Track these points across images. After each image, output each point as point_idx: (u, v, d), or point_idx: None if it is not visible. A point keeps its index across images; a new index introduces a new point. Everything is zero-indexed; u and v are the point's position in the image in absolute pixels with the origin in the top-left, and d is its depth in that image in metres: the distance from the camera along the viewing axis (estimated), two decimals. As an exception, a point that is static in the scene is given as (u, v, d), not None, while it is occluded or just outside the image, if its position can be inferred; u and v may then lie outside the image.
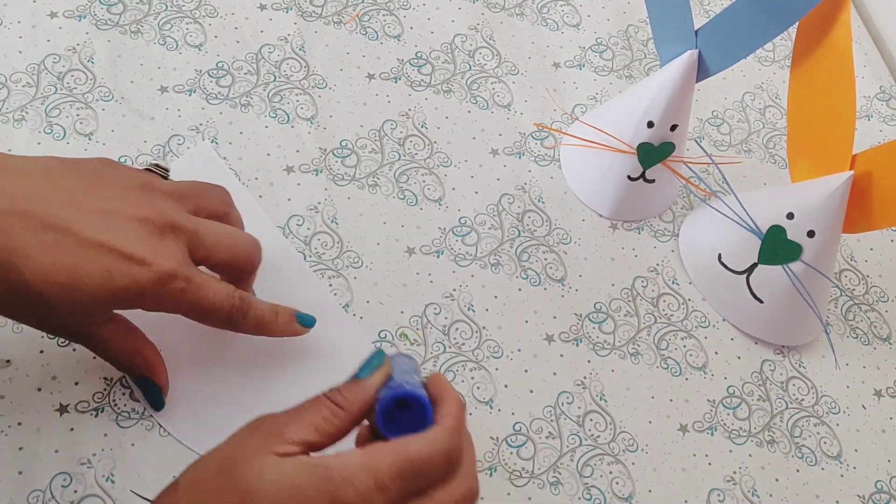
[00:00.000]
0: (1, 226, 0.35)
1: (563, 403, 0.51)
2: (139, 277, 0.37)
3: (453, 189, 0.57)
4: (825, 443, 0.54)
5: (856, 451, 0.54)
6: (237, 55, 0.59)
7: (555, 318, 0.54)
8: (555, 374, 0.52)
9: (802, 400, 0.55)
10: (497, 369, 0.51)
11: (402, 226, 0.55)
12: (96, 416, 0.44)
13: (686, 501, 0.50)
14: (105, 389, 0.45)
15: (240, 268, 0.43)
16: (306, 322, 0.46)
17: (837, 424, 0.55)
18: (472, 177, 0.58)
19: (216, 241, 0.41)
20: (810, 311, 0.54)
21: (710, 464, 0.51)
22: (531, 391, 0.51)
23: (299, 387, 0.47)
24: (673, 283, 0.58)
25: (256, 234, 0.46)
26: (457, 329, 0.52)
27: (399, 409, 0.36)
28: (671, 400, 0.53)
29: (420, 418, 0.36)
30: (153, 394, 0.44)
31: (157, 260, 0.37)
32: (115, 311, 0.41)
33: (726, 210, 0.55)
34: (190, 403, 0.45)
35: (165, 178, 0.43)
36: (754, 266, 0.54)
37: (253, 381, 0.47)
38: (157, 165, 0.44)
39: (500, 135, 0.61)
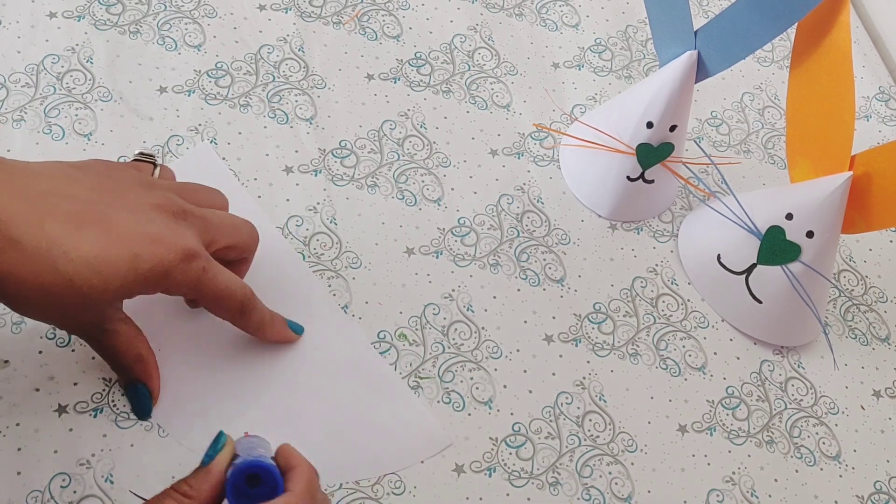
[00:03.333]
0: (35, 220, 0.36)
1: (562, 404, 0.51)
2: (165, 257, 0.38)
3: (452, 189, 0.57)
4: (824, 443, 0.54)
5: (855, 451, 0.54)
6: (236, 55, 0.59)
7: (554, 318, 0.54)
8: (554, 374, 0.52)
9: (801, 400, 0.55)
10: (496, 370, 0.51)
11: (401, 226, 0.55)
12: (95, 416, 0.44)
13: (685, 502, 0.50)
14: (104, 390, 0.45)
15: (243, 250, 0.45)
16: (297, 329, 0.48)
17: (836, 425, 0.55)
18: (471, 177, 0.58)
19: (222, 226, 0.43)
20: (809, 311, 0.54)
21: (709, 464, 0.51)
22: (530, 391, 0.51)
23: (297, 387, 0.47)
24: (672, 283, 0.58)
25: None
26: (456, 329, 0.52)
27: (250, 485, 0.36)
28: (670, 400, 0.53)
29: (272, 490, 0.36)
30: (144, 400, 0.44)
31: (179, 240, 0.39)
32: (128, 315, 0.43)
33: (725, 210, 0.55)
34: (189, 404, 0.45)
35: (154, 164, 0.45)
36: (753, 266, 0.54)
37: (251, 382, 0.47)
38: (142, 154, 0.45)
39: (499, 135, 0.61)
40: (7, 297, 0.36)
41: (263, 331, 0.45)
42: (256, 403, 0.46)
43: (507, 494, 0.47)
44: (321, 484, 0.39)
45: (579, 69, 0.66)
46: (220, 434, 0.38)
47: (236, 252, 0.45)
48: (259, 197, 0.53)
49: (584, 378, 0.52)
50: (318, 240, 0.53)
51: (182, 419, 0.45)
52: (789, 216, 0.52)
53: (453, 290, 0.53)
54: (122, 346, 0.43)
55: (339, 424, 0.47)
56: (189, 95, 0.56)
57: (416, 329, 0.51)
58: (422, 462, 0.47)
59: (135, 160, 0.44)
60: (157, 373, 0.44)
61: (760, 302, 0.55)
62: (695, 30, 0.52)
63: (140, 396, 0.44)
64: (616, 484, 0.49)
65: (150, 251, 0.38)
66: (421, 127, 0.60)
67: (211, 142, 0.55)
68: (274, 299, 0.46)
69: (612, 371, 0.53)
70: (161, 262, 0.38)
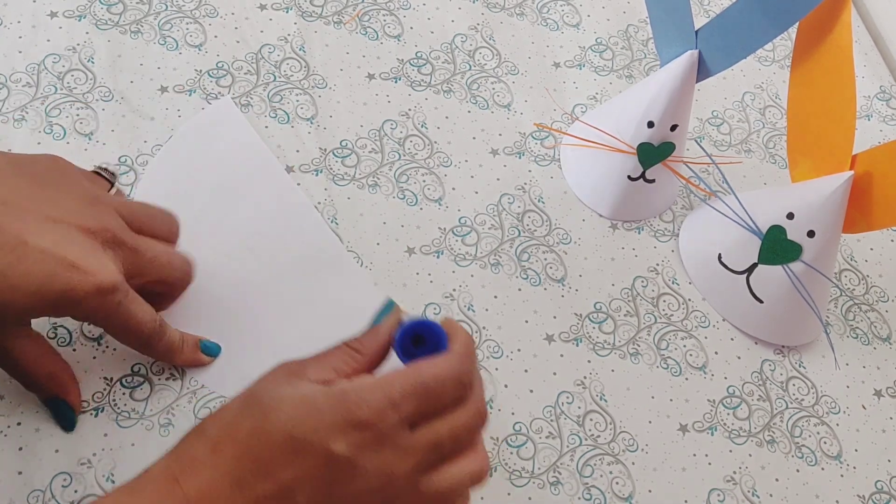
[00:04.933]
0: None
1: (563, 403, 0.51)
2: (79, 286, 0.37)
3: (453, 189, 0.57)
4: (825, 443, 0.54)
5: (856, 451, 0.54)
6: (237, 55, 0.59)
7: (555, 317, 0.54)
8: (555, 373, 0.52)
9: (802, 400, 0.55)
10: (497, 369, 0.51)
11: (402, 226, 0.55)
12: (96, 415, 0.44)
13: (686, 501, 0.50)
14: (105, 389, 0.45)
15: (171, 286, 0.44)
16: (211, 351, 0.47)
17: (837, 424, 0.55)
18: (472, 177, 0.58)
19: (154, 261, 0.42)
20: (810, 311, 0.54)
21: (710, 464, 0.51)
22: (531, 391, 0.51)
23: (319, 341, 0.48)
24: (673, 282, 0.58)
25: (277, 195, 0.51)
26: (457, 329, 0.52)
27: (416, 346, 0.38)
28: (671, 400, 0.53)
29: (435, 349, 0.38)
30: (65, 414, 0.43)
31: (99, 272, 0.37)
32: (34, 330, 0.42)
33: (726, 210, 0.55)
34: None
35: (112, 182, 0.44)
36: (754, 266, 0.54)
37: (269, 325, 0.48)
38: (104, 169, 0.44)
39: (500, 135, 0.61)
40: None
41: (172, 356, 0.45)
42: (277, 341, 0.47)
43: (508, 494, 0.47)
44: None
45: (580, 69, 0.66)
46: (390, 301, 0.40)
47: (163, 287, 0.44)
48: (260, 196, 0.53)
49: (584, 377, 0.52)
50: (319, 239, 0.53)
51: (214, 370, 0.46)
52: (790, 216, 0.52)
53: (454, 290, 0.53)
54: (30, 365, 0.41)
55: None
56: (190, 95, 0.56)
57: (417, 328, 0.51)
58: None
59: (94, 172, 0.43)
60: (74, 384, 0.43)
61: (761, 301, 0.55)
62: (696, 29, 0.52)
63: (60, 411, 0.43)
64: (617, 483, 0.49)
65: (65, 276, 0.36)
66: (422, 126, 0.60)
67: (212, 141, 0.55)
68: (288, 250, 0.49)
69: (612, 370, 0.53)
70: (73, 290, 0.37)
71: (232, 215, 0.51)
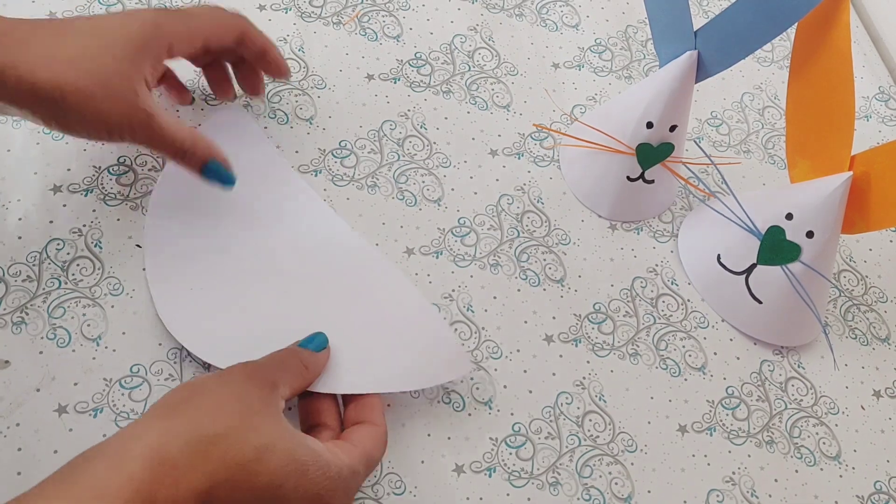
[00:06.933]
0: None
1: (562, 404, 0.51)
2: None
3: (452, 190, 0.57)
4: (824, 443, 0.54)
5: (855, 451, 0.54)
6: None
7: (554, 318, 0.54)
8: (554, 374, 0.52)
9: (801, 400, 0.55)
10: (496, 370, 0.51)
11: (401, 226, 0.55)
12: (95, 416, 0.44)
13: (685, 502, 0.50)
14: (104, 390, 0.45)
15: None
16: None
17: (836, 425, 0.55)
18: (472, 177, 0.58)
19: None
20: (809, 311, 0.54)
21: (709, 464, 0.51)
22: (530, 392, 0.51)
23: (327, 301, 0.49)
24: (672, 283, 0.58)
25: (288, 193, 0.53)
26: (456, 329, 0.52)
27: None
28: (670, 400, 0.53)
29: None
30: (223, 172, 0.47)
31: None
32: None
33: (725, 211, 0.55)
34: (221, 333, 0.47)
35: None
36: (753, 266, 0.54)
37: (282, 301, 0.49)
38: None
39: (500, 135, 0.61)
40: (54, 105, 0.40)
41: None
42: (290, 320, 0.48)
43: (508, 494, 0.47)
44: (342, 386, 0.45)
45: (579, 69, 0.66)
46: (323, 336, 0.46)
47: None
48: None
49: (584, 378, 0.52)
50: (318, 240, 0.53)
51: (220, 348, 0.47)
52: (789, 216, 0.52)
53: (453, 291, 0.53)
54: (170, 130, 0.44)
55: (366, 333, 0.48)
56: (189, 96, 0.56)
57: (417, 329, 0.51)
58: (447, 382, 0.49)
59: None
60: (211, 141, 0.47)
61: (760, 302, 0.55)
62: (695, 30, 0.52)
63: (220, 172, 0.47)
64: (616, 484, 0.49)
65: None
66: (421, 127, 0.60)
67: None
68: (301, 238, 0.50)
69: (612, 371, 0.53)
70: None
71: (250, 219, 0.51)
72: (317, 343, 0.45)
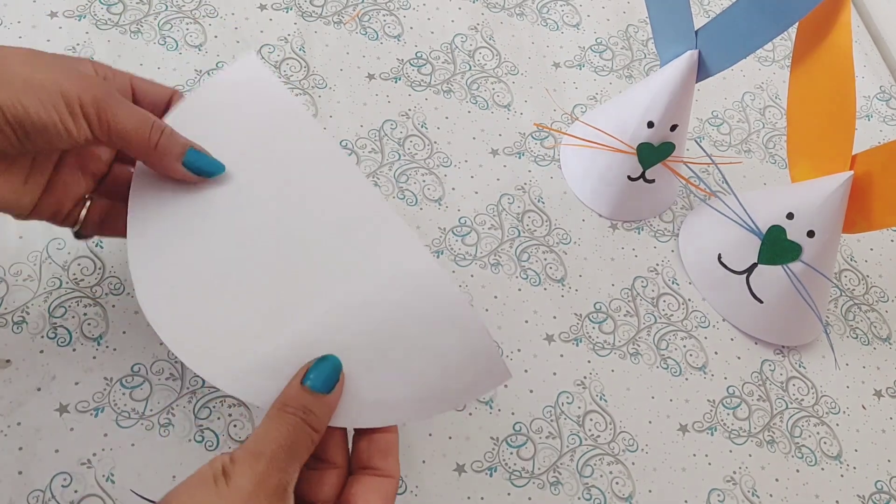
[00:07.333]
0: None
1: (563, 403, 0.51)
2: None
3: (453, 189, 0.57)
4: (825, 443, 0.54)
5: (856, 451, 0.54)
6: (237, 55, 0.59)
7: (555, 318, 0.54)
8: (555, 374, 0.52)
9: (802, 400, 0.55)
10: (497, 369, 0.51)
11: (402, 226, 0.55)
12: (96, 416, 0.44)
13: (686, 501, 0.50)
14: (105, 389, 0.45)
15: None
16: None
17: (837, 424, 0.55)
18: (472, 177, 0.58)
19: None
20: (810, 311, 0.54)
21: (710, 464, 0.51)
22: (531, 391, 0.51)
23: (343, 306, 0.40)
24: (673, 283, 0.58)
25: (309, 148, 0.42)
26: (457, 329, 0.52)
27: None
28: (671, 400, 0.53)
29: None
30: (207, 161, 0.40)
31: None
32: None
33: (726, 210, 0.55)
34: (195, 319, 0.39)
35: None
36: (754, 266, 0.54)
37: (286, 300, 0.40)
38: None
39: (500, 135, 0.61)
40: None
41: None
42: (291, 328, 0.39)
43: (509, 494, 0.47)
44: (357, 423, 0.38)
45: (580, 69, 0.66)
46: (336, 360, 0.37)
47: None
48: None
49: (584, 378, 0.52)
50: (318, 239, 0.53)
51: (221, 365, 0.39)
52: (790, 216, 0.52)
53: (454, 290, 0.53)
54: (137, 117, 0.38)
55: (390, 349, 0.39)
56: (190, 95, 0.56)
57: (417, 329, 0.51)
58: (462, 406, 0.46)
59: None
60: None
61: (761, 301, 0.55)
62: (695, 29, 0.52)
63: (203, 162, 0.40)
64: (617, 483, 0.49)
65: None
66: (422, 127, 0.60)
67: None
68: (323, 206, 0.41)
69: (612, 371, 0.53)
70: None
71: (269, 172, 0.42)
72: (326, 377, 0.37)
